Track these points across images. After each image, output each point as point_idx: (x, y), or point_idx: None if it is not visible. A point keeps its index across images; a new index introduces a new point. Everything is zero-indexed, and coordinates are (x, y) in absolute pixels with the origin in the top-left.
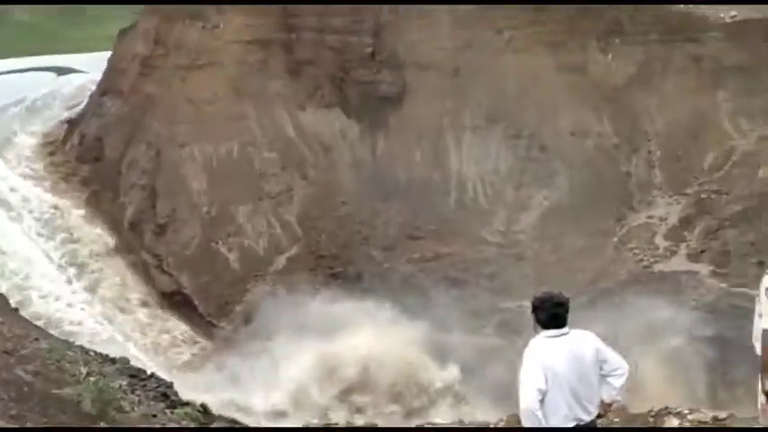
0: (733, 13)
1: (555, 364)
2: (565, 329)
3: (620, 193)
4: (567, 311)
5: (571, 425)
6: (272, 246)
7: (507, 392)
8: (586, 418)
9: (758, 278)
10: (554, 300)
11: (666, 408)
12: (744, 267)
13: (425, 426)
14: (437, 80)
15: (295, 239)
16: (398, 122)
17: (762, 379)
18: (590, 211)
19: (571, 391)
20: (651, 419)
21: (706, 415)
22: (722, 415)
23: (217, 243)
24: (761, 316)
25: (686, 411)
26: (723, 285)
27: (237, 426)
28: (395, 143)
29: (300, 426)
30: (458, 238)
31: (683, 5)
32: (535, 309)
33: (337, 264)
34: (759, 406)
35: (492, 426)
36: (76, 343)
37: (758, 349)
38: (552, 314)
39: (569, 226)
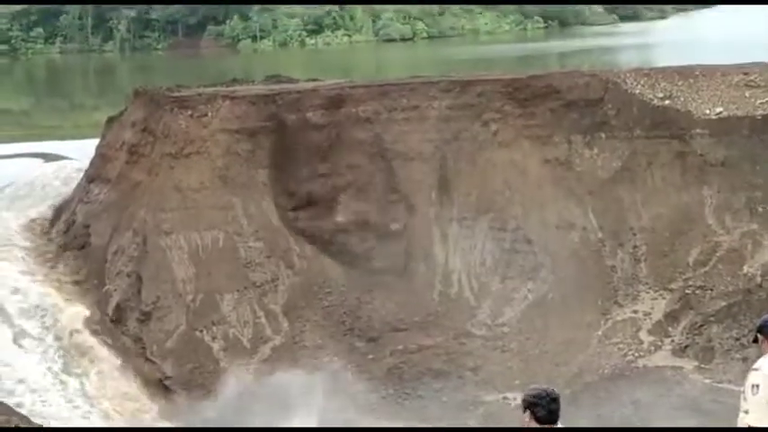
0: (718, 109)
1: None
2: (559, 424)
3: (604, 287)
4: (559, 407)
5: None
6: (257, 335)
7: None
8: None
9: (743, 374)
10: (550, 396)
11: None
12: (728, 363)
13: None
14: (423, 171)
15: (280, 329)
16: None
17: None
18: (575, 305)
19: None
20: None
21: None
22: None
23: (201, 331)
24: (747, 413)
25: None
26: (707, 381)
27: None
28: None
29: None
30: (442, 331)
31: (669, 101)
32: (531, 405)
33: (322, 354)
34: None
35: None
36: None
37: None
38: (550, 410)
39: (554, 319)
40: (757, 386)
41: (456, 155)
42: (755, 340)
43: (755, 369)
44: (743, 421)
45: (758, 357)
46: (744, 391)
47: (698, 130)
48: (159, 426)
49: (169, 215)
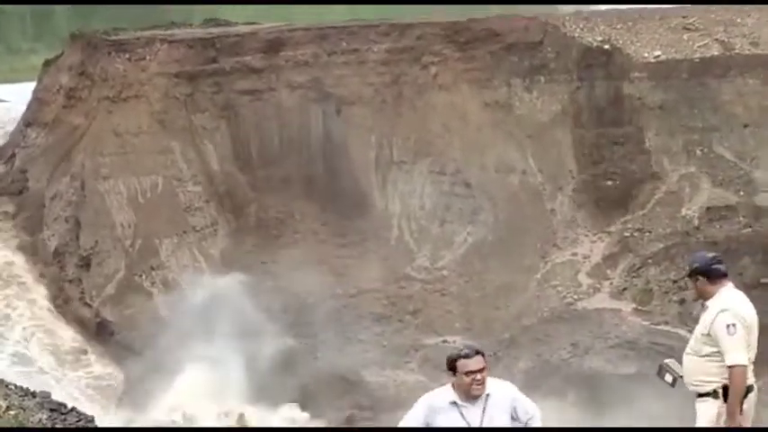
0: (657, 53)
1: None
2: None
3: (544, 231)
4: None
5: None
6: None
7: None
8: None
9: (680, 316)
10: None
11: None
12: (665, 305)
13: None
14: (363, 115)
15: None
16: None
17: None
18: (514, 248)
19: None
20: None
21: None
22: None
23: (140, 276)
24: (718, 353)
25: None
26: (645, 323)
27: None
28: None
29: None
30: (382, 275)
31: (607, 45)
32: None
33: None
34: None
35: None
36: None
37: (697, 386)
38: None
39: (493, 262)
40: (733, 325)
41: (395, 98)
42: (690, 276)
43: (723, 310)
44: (707, 364)
45: (697, 300)
46: (706, 332)
47: (636, 74)
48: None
49: (107, 160)
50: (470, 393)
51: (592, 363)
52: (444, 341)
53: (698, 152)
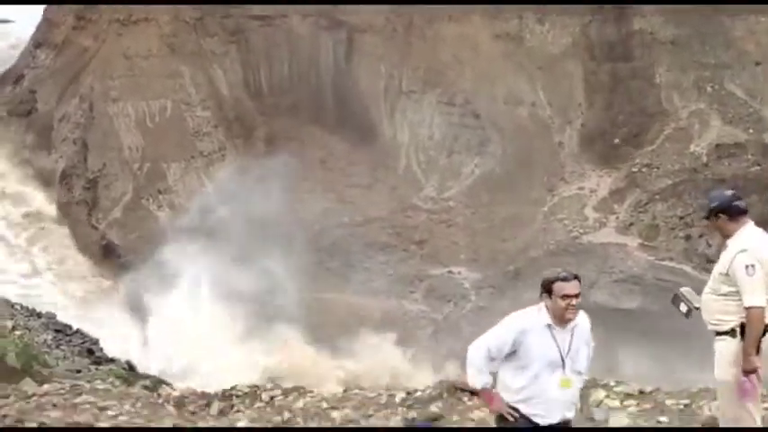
0: None
1: None
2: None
3: (551, 164)
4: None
5: None
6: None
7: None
8: None
9: (686, 252)
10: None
11: (594, 378)
12: (671, 241)
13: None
14: (374, 44)
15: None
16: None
17: (745, 356)
18: (521, 181)
19: None
20: None
21: (632, 387)
22: (648, 388)
23: (147, 200)
24: (739, 294)
25: (612, 384)
26: (650, 258)
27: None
28: None
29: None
30: (388, 204)
31: None
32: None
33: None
34: (730, 378)
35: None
36: (2, 296)
37: (716, 325)
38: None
39: (500, 194)
40: (752, 266)
41: (406, 28)
42: (707, 217)
43: (743, 250)
44: (725, 303)
45: (701, 236)
46: (725, 272)
47: (649, 8)
48: None
49: (116, 83)
50: (564, 317)
51: (596, 297)
52: (449, 272)
53: (708, 89)
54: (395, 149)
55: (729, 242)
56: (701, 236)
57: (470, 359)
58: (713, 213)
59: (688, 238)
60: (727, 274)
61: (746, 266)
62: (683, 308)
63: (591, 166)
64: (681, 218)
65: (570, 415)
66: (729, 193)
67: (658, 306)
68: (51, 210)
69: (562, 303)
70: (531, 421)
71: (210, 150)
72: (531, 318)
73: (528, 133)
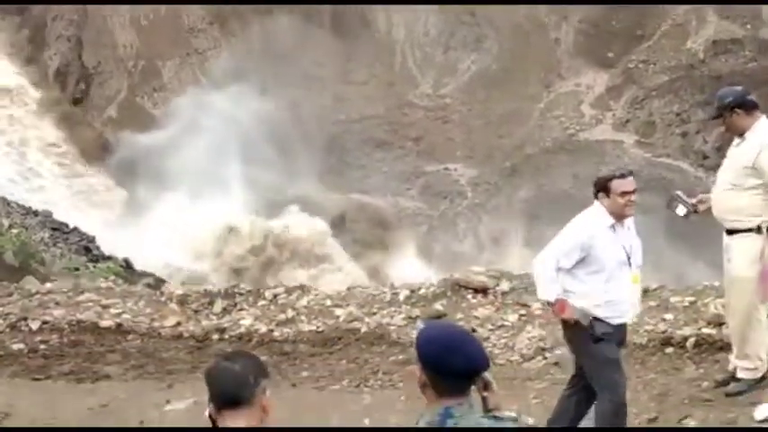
0: None
1: None
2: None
3: (548, 60)
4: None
5: None
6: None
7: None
8: None
9: (682, 149)
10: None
11: None
12: (668, 138)
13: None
14: None
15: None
16: None
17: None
18: (518, 77)
19: None
20: None
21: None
22: (653, 285)
23: (142, 98)
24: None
25: None
26: (647, 155)
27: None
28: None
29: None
30: (384, 101)
31: None
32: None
33: None
34: (751, 275)
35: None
36: None
37: (736, 222)
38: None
39: (496, 91)
40: None
41: None
42: (720, 115)
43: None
44: (752, 197)
45: (698, 132)
46: (750, 165)
47: None
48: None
49: None
50: (624, 214)
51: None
52: (446, 168)
53: None
54: (390, 45)
55: (748, 135)
56: (697, 132)
57: (539, 273)
58: (729, 108)
59: (684, 134)
60: (753, 167)
61: None
62: (681, 210)
63: (587, 62)
64: (677, 114)
65: (637, 312)
66: (738, 88)
67: (655, 203)
68: (46, 108)
69: (621, 200)
70: (609, 324)
71: (206, 47)
72: (595, 221)
73: (524, 29)
